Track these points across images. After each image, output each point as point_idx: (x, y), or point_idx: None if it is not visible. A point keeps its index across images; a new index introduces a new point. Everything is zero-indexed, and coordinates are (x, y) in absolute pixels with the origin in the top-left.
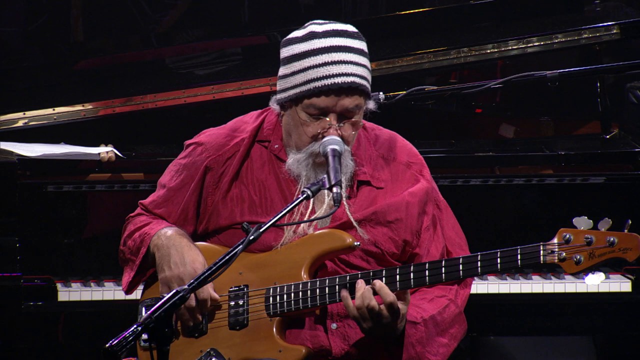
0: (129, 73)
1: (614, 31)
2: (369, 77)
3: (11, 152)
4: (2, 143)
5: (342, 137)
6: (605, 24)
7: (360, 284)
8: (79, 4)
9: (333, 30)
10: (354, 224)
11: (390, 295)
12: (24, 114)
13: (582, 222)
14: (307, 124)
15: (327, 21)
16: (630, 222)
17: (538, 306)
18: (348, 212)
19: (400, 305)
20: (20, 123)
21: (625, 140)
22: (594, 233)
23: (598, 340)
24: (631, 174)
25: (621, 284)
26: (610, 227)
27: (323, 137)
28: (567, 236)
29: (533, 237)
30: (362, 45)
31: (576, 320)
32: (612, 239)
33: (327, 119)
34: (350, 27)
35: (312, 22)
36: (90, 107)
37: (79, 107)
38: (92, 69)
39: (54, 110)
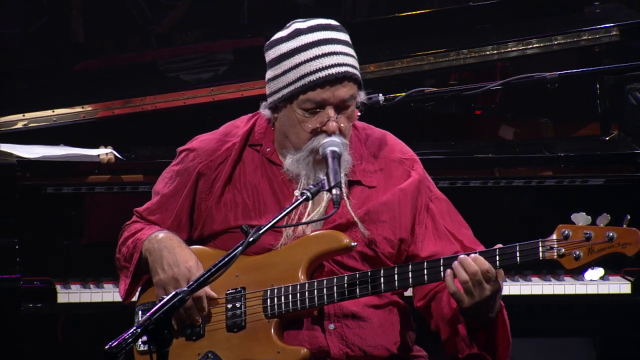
0: (129, 74)
1: (614, 33)
2: (359, 67)
3: (11, 154)
4: (1, 145)
5: (339, 129)
6: (604, 25)
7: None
8: (79, 6)
9: (317, 25)
10: (355, 219)
11: (486, 263)
12: (24, 115)
13: (581, 218)
14: (304, 120)
15: (308, 18)
16: (629, 217)
17: (537, 308)
18: (349, 208)
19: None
20: (19, 125)
21: (625, 141)
22: (592, 229)
23: (598, 341)
24: (631, 176)
25: (621, 286)
26: (609, 224)
27: (322, 131)
28: (566, 232)
29: (533, 239)
30: (347, 37)
31: (576, 322)
32: (611, 234)
33: (325, 112)
34: (332, 21)
35: (293, 21)
36: (89, 108)
37: (78, 109)
38: (91, 70)
39: (53, 112)
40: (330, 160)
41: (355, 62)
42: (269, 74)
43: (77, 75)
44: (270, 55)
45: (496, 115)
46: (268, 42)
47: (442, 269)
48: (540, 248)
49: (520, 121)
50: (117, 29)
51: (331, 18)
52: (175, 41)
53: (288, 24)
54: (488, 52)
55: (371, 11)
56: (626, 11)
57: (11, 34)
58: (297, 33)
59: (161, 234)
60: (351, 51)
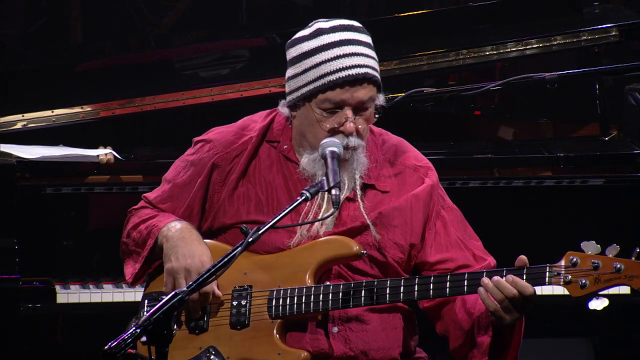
0: (128, 75)
1: (613, 33)
2: (379, 69)
3: (10, 154)
4: (1, 145)
5: (357, 130)
6: (604, 25)
7: (488, 280)
8: (78, 6)
9: (340, 25)
10: (368, 222)
11: (529, 287)
12: (23, 116)
13: (590, 247)
14: (322, 120)
15: (331, 18)
16: (638, 250)
17: (537, 308)
18: (363, 211)
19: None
20: (19, 125)
21: (624, 142)
22: (601, 258)
23: (597, 342)
24: (630, 176)
25: (620, 286)
26: (618, 255)
27: (339, 131)
28: (574, 259)
29: (532, 240)
30: (368, 38)
31: (575, 322)
32: (618, 266)
33: (343, 112)
34: (355, 22)
35: (316, 20)
36: (89, 109)
37: (77, 109)
38: (91, 70)
39: (52, 112)
40: (329, 160)
41: (375, 64)
42: (289, 72)
43: (76, 75)
44: (291, 53)
45: (496, 116)
46: (290, 40)
47: (447, 285)
48: (547, 273)
49: (520, 121)
50: (116, 30)
51: (330, 18)
52: (174, 42)
53: (311, 23)
54: (487, 53)
55: (370, 11)
56: (625, 12)
57: (11, 34)
58: (319, 32)
59: (180, 224)
60: (372, 53)
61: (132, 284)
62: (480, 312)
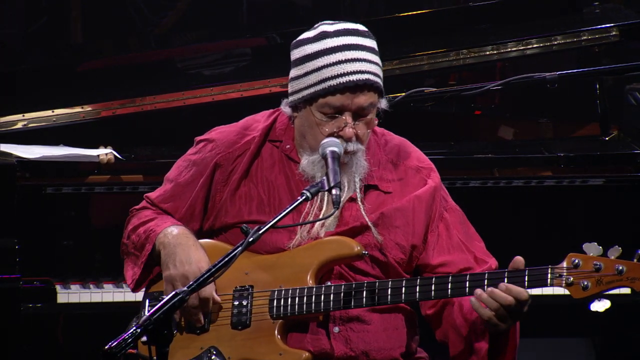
0: (128, 75)
1: (613, 33)
2: (382, 75)
3: (10, 154)
4: (1, 145)
5: (357, 135)
6: (604, 25)
7: (482, 291)
8: (78, 6)
9: (344, 29)
10: (369, 223)
11: (524, 292)
12: (23, 115)
13: (592, 249)
14: (322, 123)
15: (336, 21)
16: None
17: (537, 308)
18: (363, 212)
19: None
20: (19, 125)
21: (625, 142)
22: (603, 260)
23: (597, 342)
24: (630, 176)
25: (621, 288)
26: (620, 255)
27: (339, 136)
28: (576, 261)
29: (532, 240)
30: (373, 43)
31: (575, 322)
32: (620, 268)
33: (343, 117)
34: (360, 26)
35: (321, 22)
36: (89, 109)
37: (78, 109)
38: (91, 70)
39: (53, 112)
40: (330, 160)
41: (378, 70)
42: (292, 73)
43: (76, 75)
44: (295, 54)
45: (496, 116)
46: (294, 41)
47: (449, 286)
48: (549, 275)
49: (520, 121)
50: (116, 30)
51: (329, 18)
52: (174, 41)
53: (316, 25)
54: (488, 52)
55: (370, 11)
56: (625, 12)
57: (11, 34)
58: (323, 36)
59: (176, 230)
60: (375, 58)
61: (134, 290)
62: (477, 317)
